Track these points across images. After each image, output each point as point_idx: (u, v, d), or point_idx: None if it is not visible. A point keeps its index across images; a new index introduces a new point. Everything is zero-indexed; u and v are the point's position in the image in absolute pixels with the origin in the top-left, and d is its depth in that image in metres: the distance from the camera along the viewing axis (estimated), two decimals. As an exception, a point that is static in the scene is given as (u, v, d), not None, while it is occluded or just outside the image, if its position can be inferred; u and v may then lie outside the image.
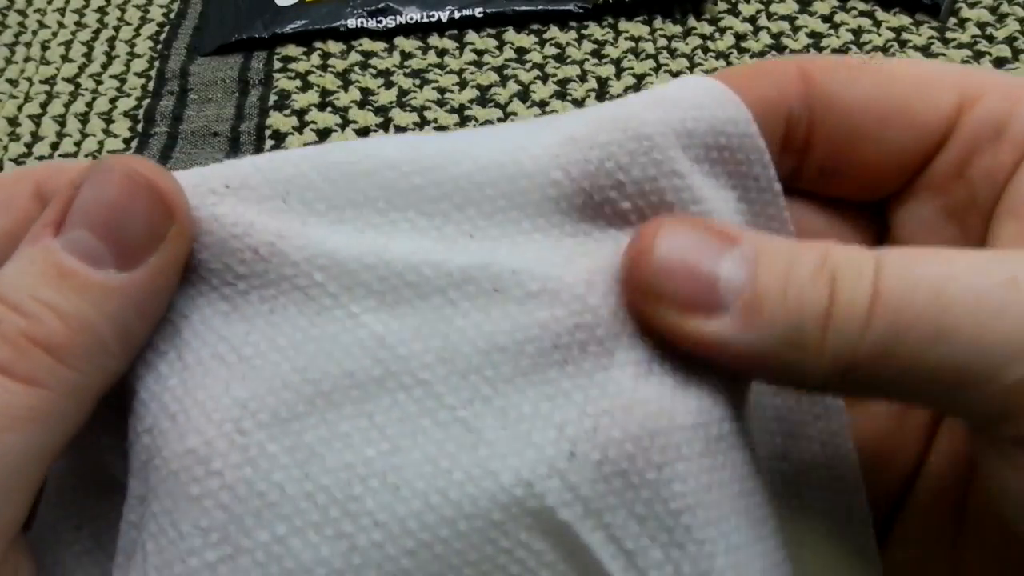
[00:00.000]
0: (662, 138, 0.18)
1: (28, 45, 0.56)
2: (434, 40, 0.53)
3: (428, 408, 0.17)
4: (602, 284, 0.18)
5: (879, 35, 0.51)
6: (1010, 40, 0.50)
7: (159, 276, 0.17)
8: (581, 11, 0.53)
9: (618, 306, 0.18)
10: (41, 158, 0.49)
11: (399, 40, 0.53)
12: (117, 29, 0.57)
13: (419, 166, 0.18)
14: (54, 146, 0.50)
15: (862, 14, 0.52)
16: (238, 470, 0.16)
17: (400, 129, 0.48)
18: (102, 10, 0.58)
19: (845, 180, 0.21)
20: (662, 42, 0.51)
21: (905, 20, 0.51)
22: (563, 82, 0.50)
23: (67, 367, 0.16)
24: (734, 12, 0.53)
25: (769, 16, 0.52)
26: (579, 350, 0.18)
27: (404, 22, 0.53)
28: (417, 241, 0.18)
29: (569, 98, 0.49)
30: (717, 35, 0.52)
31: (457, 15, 0.53)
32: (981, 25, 0.51)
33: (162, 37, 0.56)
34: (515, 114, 0.48)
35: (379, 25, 0.53)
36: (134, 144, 0.49)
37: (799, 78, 0.20)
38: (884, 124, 0.20)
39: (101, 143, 0.50)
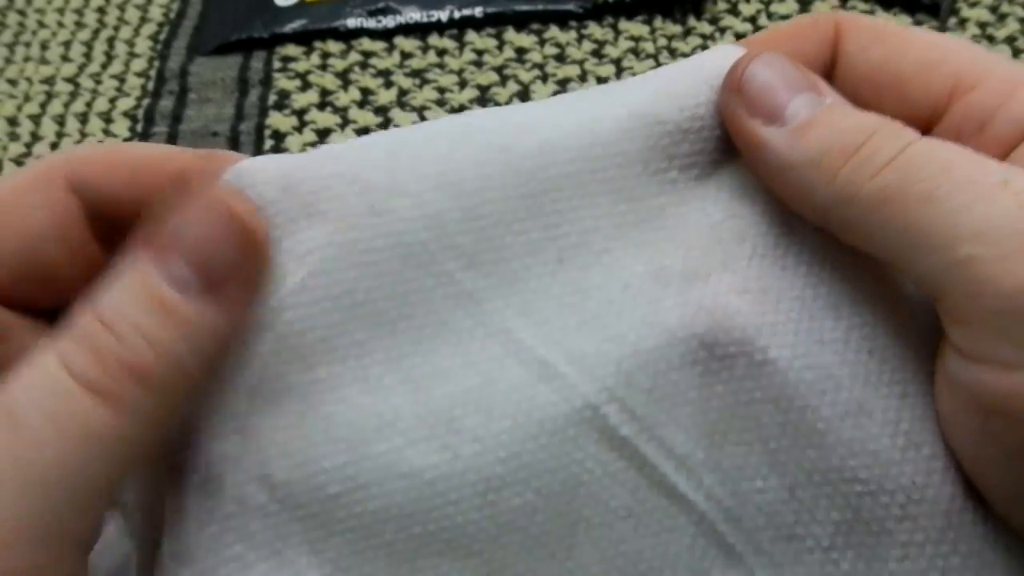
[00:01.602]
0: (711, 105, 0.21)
1: (28, 45, 0.56)
2: (434, 40, 0.53)
3: (512, 350, 0.21)
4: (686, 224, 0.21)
5: (879, 35, 0.51)
6: (1010, 40, 0.50)
7: (240, 310, 0.18)
8: (581, 11, 0.53)
9: (706, 243, 0.21)
10: (40, 158, 0.49)
11: (399, 40, 0.53)
12: (117, 29, 0.57)
13: (506, 138, 0.21)
14: (54, 146, 0.50)
15: (862, 14, 0.52)
16: (361, 397, 0.20)
17: (400, 129, 0.48)
18: (102, 10, 0.58)
19: None
20: (662, 42, 0.51)
21: (905, 20, 0.51)
22: (563, 82, 0.50)
23: (150, 394, 0.17)
24: (734, 12, 0.53)
25: (769, 16, 0.52)
26: (634, 293, 0.21)
27: (404, 22, 0.53)
28: (503, 207, 0.21)
29: (569, 98, 0.49)
30: (717, 35, 0.52)
31: (457, 15, 0.53)
32: (981, 25, 0.51)
33: (162, 37, 0.56)
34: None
35: (379, 25, 0.53)
36: (134, 144, 0.49)
37: (835, 36, 0.22)
38: (880, 98, 0.21)
39: (100, 143, 0.50)
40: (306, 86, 0.50)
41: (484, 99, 0.49)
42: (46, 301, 0.21)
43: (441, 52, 0.52)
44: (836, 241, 0.20)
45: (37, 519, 0.16)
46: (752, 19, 0.52)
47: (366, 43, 0.53)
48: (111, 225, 0.21)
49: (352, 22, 0.53)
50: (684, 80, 0.22)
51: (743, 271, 0.21)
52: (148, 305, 0.17)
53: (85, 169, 0.20)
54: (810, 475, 0.20)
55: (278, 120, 0.49)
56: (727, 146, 0.21)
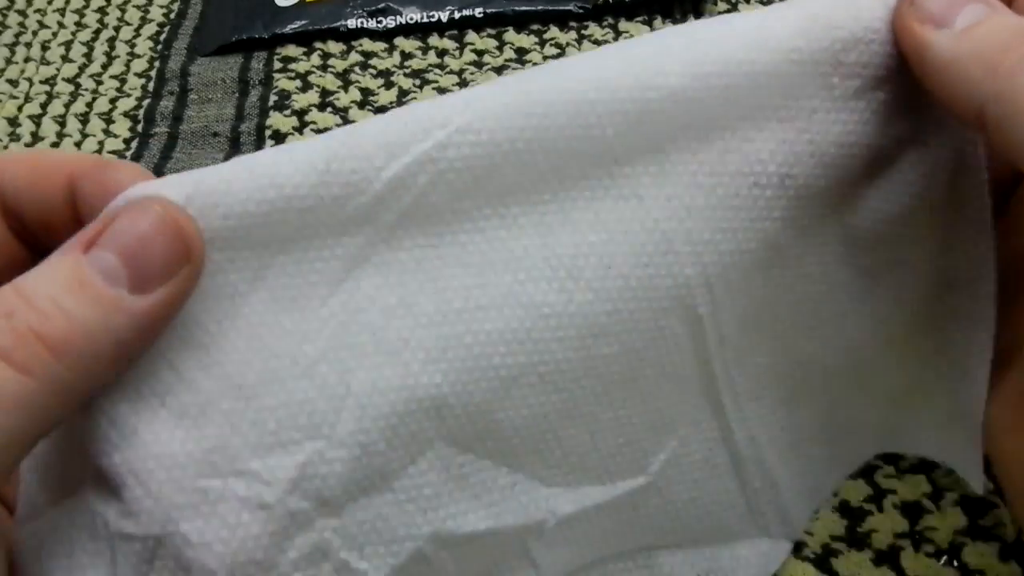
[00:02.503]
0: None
1: (28, 45, 0.56)
2: (434, 40, 0.53)
3: (639, 216, 0.22)
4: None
5: (879, 35, 0.51)
6: None
7: (165, 307, 0.19)
8: (581, 11, 0.53)
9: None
10: None
11: (399, 40, 0.53)
12: (117, 29, 0.57)
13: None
14: (54, 146, 0.50)
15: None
16: (496, 231, 0.22)
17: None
18: (102, 10, 0.58)
19: None
20: (662, 42, 0.51)
21: None
22: (563, 82, 0.50)
23: (60, 364, 0.18)
24: (734, 12, 0.53)
25: (769, 16, 0.52)
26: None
27: (404, 22, 0.53)
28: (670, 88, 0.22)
29: (569, 98, 0.49)
30: (717, 35, 0.52)
31: (457, 15, 0.53)
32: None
33: (162, 37, 0.56)
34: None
35: (379, 25, 0.53)
36: (134, 144, 0.49)
37: None
38: None
39: (101, 143, 0.50)
40: (307, 86, 0.50)
41: (484, 99, 0.49)
42: None
43: (441, 53, 0.52)
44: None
45: None
46: (752, 19, 0.52)
47: (366, 44, 0.53)
48: (23, 223, 0.22)
49: (352, 22, 0.53)
50: None
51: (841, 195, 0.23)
52: (70, 285, 0.18)
53: (84, 180, 0.21)
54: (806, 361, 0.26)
55: (278, 120, 0.49)
56: (890, 70, 0.23)
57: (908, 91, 0.23)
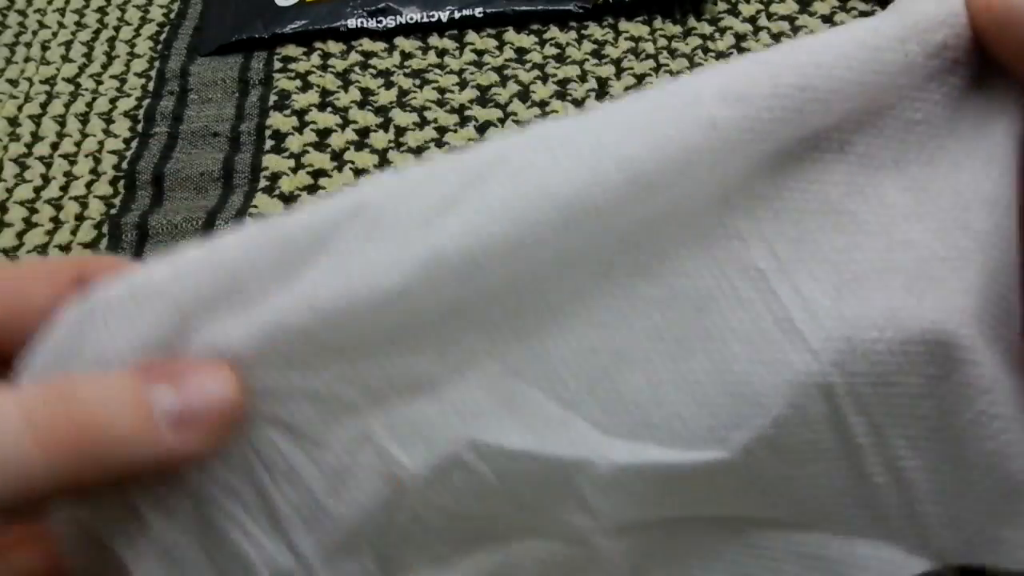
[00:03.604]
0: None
1: (28, 45, 0.56)
2: (434, 40, 0.53)
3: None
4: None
5: (879, 35, 0.51)
6: None
7: (189, 452, 0.20)
8: (581, 11, 0.53)
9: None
10: (41, 158, 0.49)
11: (399, 40, 0.53)
12: (117, 29, 0.57)
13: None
14: (54, 146, 0.50)
15: (862, 14, 0.52)
16: None
17: (400, 129, 0.48)
18: (102, 10, 0.58)
19: None
20: (662, 42, 0.51)
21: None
22: (563, 82, 0.50)
23: (75, 460, 0.18)
24: (734, 12, 0.53)
25: (769, 16, 0.52)
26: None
27: (404, 22, 0.53)
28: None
29: (569, 98, 0.49)
30: (717, 35, 0.52)
31: (457, 15, 0.53)
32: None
33: (162, 37, 0.56)
34: (515, 114, 0.48)
35: (379, 25, 0.53)
36: (134, 144, 0.49)
37: None
38: None
39: (101, 143, 0.50)
40: (307, 86, 0.50)
41: (484, 99, 0.49)
42: None
43: (441, 52, 0.52)
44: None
45: None
46: (752, 19, 0.52)
47: (366, 43, 0.53)
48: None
49: (352, 22, 0.53)
50: None
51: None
52: (123, 398, 0.19)
53: (94, 272, 0.22)
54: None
55: (279, 120, 0.49)
56: (969, 55, 0.23)
57: (983, 79, 0.23)
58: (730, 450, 0.23)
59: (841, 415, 0.23)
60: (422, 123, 0.48)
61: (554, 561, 0.24)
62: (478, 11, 0.53)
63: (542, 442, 0.22)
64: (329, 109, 0.49)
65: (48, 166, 0.49)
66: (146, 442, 0.19)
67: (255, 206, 0.45)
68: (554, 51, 0.51)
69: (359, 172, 0.46)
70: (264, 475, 0.21)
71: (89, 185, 0.48)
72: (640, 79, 0.50)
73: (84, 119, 0.51)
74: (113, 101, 0.52)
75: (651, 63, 0.50)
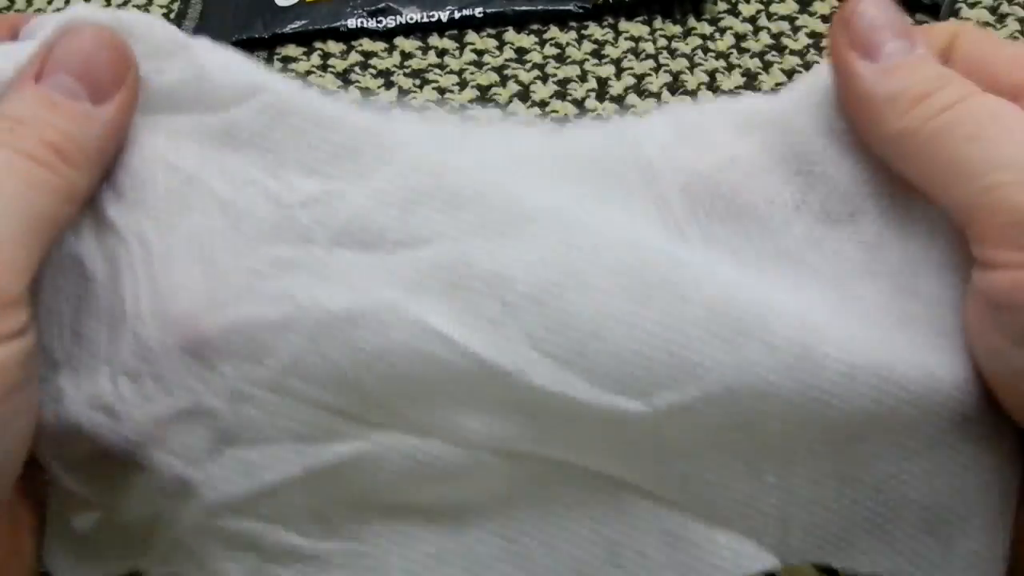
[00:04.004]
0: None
1: (28, 45, 0.56)
2: (434, 40, 0.53)
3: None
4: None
5: (879, 35, 0.51)
6: (1010, 40, 0.50)
7: (124, 109, 0.22)
8: (581, 11, 0.53)
9: None
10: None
11: (399, 40, 0.53)
12: (117, 29, 0.57)
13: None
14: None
15: (862, 14, 0.52)
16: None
17: (400, 129, 0.48)
18: (102, 10, 0.58)
19: None
20: (662, 42, 0.51)
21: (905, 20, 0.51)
22: (563, 82, 0.50)
23: (69, 168, 0.21)
24: (734, 12, 0.53)
25: (769, 16, 0.52)
26: None
27: (404, 22, 0.53)
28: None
29: (569, 98, 0.49)
30: (717, 35, 0.52)
31: (457, 15, 0.53)
32: (981, 25, 0.51)
33: (162, 37, 0.56)
34: (515, 114, 0.48)
35: (379, 25, 0.53)
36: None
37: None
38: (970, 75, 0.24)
39: None
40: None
41: (484, 99, 0.49)
42: None
43: (441, 52, 0.52)
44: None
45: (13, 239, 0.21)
46: (752, 19, 0.52)
47: (366, 43, 0.53)
48: None
49: (352, 22, 0.53)
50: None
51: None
52: (43, 106, 0.21)
53: (27, 26, 0.24)
54: None
55: (278, 120, 0.49)
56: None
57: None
58: (651, 407, 0.23)
59: (764, 421, 0.23)
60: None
61: (424, 461, 0.23)
62: (478, 11, 0.53)
63: (469, 336, 0.22)
64: (329, 109, 0.49)
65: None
66: (84, 127, 0.21)
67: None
68: (554, 51, 0.51)
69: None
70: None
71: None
72: (640, 79, 0.50)
73: (84, 119, 0.51)
74: (113, 101, 0.52)
75: (651, 63, 0.50)
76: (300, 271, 0.22)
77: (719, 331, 0.22)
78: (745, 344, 0.22)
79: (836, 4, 0.53)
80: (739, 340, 0.22)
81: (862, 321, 0.23)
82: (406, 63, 0.52)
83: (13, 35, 0.24)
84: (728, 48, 0.51)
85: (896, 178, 0.24)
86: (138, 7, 0.58)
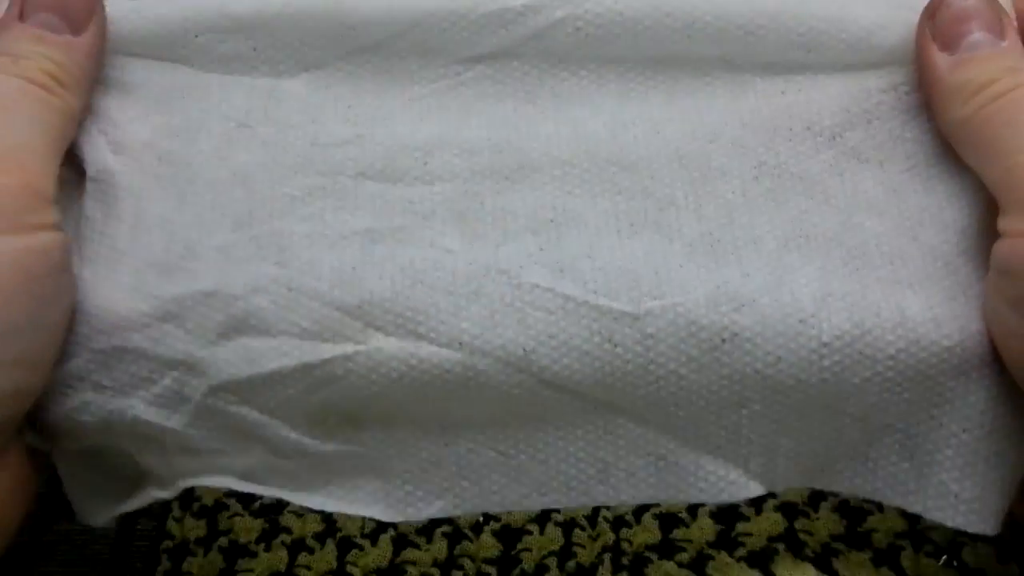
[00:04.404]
0: None
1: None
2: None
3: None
4: None
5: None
6: None
7: (100, 35, 0.25)
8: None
9: None
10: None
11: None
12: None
13: None
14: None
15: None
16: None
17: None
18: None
19: None
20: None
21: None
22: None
23: (66, 91, 0.24)
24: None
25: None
26: None
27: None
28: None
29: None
30: None
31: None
32: None
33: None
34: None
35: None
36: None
37: None
38: None
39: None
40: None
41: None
42: None
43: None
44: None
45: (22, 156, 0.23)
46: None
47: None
48: None
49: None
50: None
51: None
52: (32, 42, 0.24)
53: None
54: None
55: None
56: None
57: None
58: (638, 309, 0.24)
59: (744, 357, 0.24)
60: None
61: (417, 366, 0.24)
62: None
63: (472, 249, 0.25)
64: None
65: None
66: (71, 55, 0.24)
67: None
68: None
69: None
70: None
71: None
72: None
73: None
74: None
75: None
76: (329, 197, 0.25)
77: (701, 260, 0.25)
78: (723, 269, 0.25)
79: None
80: (717, 266, 0.25)
81: (852, 251, 0.25)
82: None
83: None
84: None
85: (938, 149, 0.26)
86: None
